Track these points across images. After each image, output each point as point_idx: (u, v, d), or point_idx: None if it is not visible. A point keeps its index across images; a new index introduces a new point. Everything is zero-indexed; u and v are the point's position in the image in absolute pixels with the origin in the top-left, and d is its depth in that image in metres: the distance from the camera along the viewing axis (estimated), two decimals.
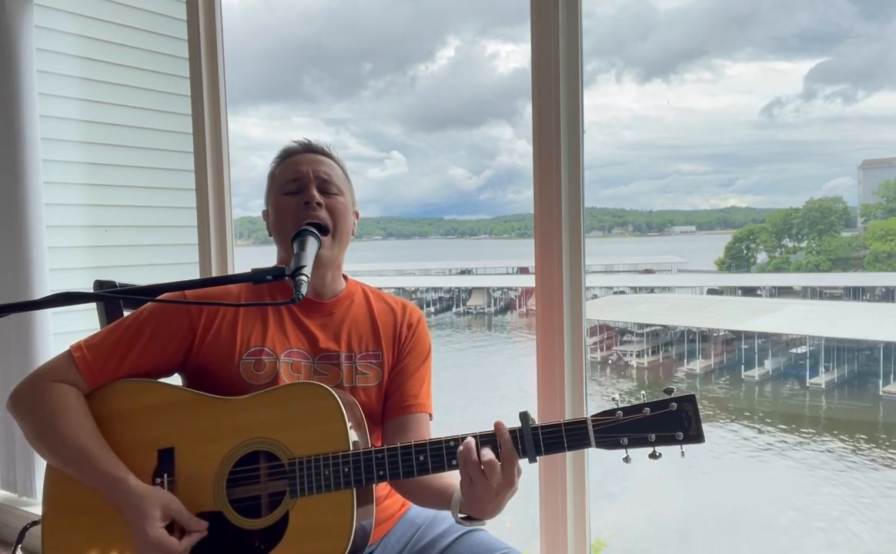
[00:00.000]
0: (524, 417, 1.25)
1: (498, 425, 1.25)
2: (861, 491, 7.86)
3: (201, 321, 1.44)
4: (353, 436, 1.31)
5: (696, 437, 1.23)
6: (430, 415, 1.55)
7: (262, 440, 1.33)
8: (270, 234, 1.55)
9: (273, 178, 1.55)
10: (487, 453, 1.23)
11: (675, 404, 1.23)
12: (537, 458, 1.24)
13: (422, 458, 1.28)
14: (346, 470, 1.28)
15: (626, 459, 1.24)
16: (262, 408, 1.35)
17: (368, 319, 1.54)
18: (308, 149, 1.55)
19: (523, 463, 1.27)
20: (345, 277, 1.59)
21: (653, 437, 1.23)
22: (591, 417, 1.25)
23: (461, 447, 1.24)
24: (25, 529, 2.01)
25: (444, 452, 1.27)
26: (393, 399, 1.52)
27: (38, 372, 1.41)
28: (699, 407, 1.24)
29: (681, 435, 1.23)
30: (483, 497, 1.24)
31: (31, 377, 1.41)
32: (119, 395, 1.40)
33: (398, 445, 1.30)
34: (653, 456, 1.23)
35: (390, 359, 1.53)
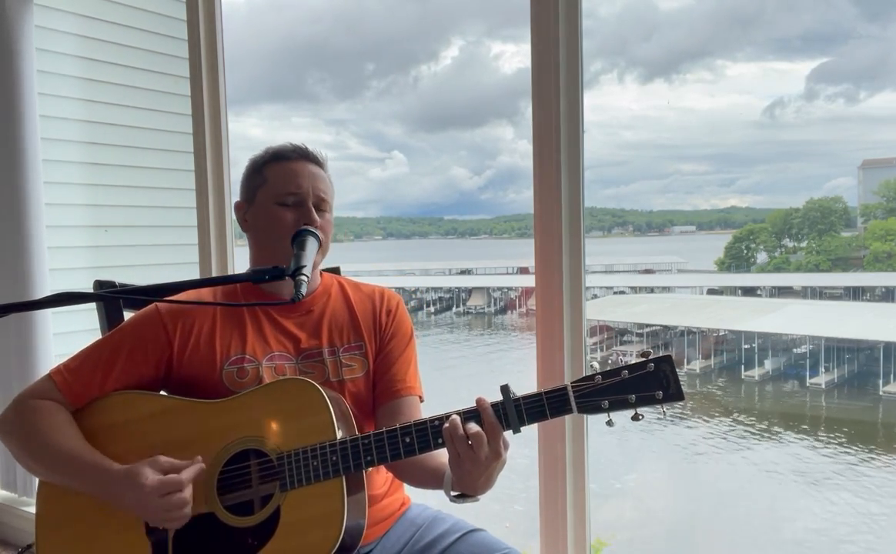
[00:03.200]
0: (505, 389, 1.26)
1: (480, 400, 1.26)
2: (861, 490, 7.86)
3: (177, 335, 1.44)
4: (339, 427, 1.32)
5: (675, 395, 1.23)
6: (421, 397, 1.55)
7: (249, 439, 1.33)
8: (244, 229, 1.53)
9: (265, 179, 1.51)
10: (473, 427, 1.24)
11: (652, 365, 1.24)
12: (521, 428, 1.26)
13: (408, 439, 1.29)
14: (335, 458, 1.28)
15: (609, 423, 1.25)
16: (247, 407, 1.36)
17: (347, 311, 1.54)
18: (305, 157, 1.52)
19: (512, 442, 1.28)
20: (320, 273, 1.59)
21: (633, 398, 1.23)
22: (571, 383, 1.26)
23: (447, 424, 1.25)
24: (21, 552, 2.01)
25: (429, 432, 1.28)
26: (381, 386, 1.52)
27: (20, 395, 1.42)
28: (680, 373, 1.24)
29: (661, 394, 1.23)
30: (473, 472, 1.24)
31: (14, 400, 1.42)
32: (104, 409, 1.41)
33: (384, 429, 1.30)
34: (635, 418, 1.24)
35: (373, 347, 1.53)
